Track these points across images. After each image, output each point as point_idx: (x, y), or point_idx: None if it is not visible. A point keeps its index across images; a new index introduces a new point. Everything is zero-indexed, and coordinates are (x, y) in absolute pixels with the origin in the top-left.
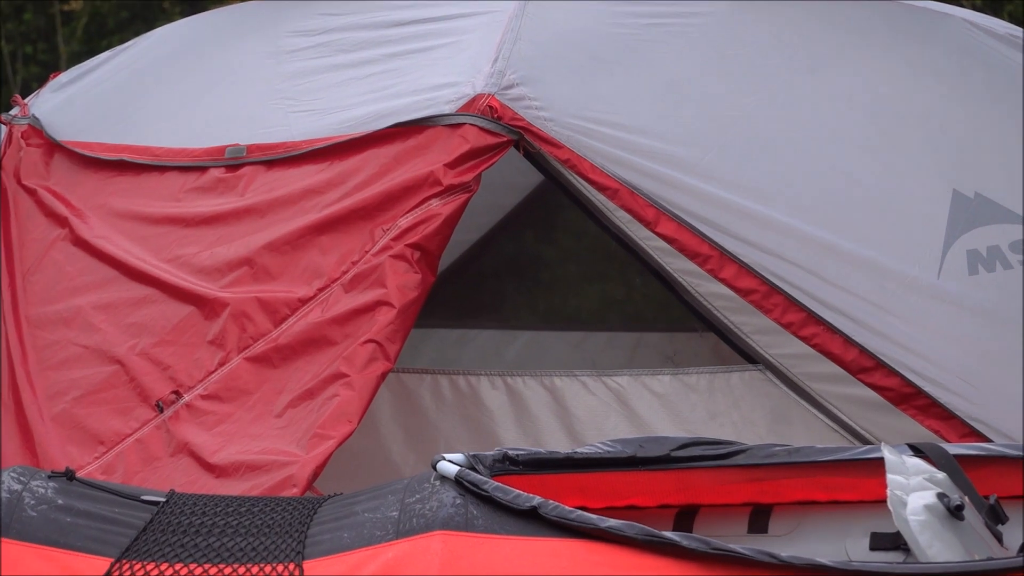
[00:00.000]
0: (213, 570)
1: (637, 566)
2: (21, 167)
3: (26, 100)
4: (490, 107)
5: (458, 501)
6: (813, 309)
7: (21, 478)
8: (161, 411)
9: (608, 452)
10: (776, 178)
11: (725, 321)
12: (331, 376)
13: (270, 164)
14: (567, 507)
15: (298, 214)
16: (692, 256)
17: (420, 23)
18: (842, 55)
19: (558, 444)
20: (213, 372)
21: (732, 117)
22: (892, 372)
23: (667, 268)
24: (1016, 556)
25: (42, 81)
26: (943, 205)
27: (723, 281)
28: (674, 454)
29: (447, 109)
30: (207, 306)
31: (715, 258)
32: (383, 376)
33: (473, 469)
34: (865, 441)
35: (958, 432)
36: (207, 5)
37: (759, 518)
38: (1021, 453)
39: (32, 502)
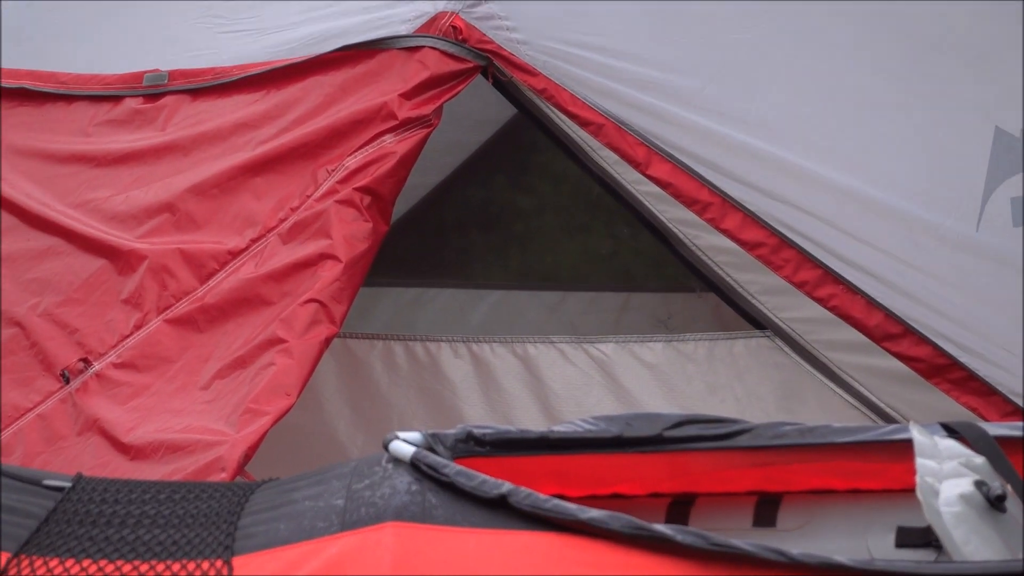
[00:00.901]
0: (127, 567)
1: (623, 564)
2: None
3: None
4: (453, 27)
5: (414, 488)
6: (831, 266)
7: None
8: (67, 382)
9: (589, 431)
10: (788, 113)
11: (728, 279)
12: (266, 342)
13: (195, 93)
14: (541, 495)
15: (228, 152)
16: (689, 203)
17: None
18: None
19: (531, 421)
20: (128, 336)
21: (736, 40)
22: (922, 340)
23: (660, 217)
24: None
25: None
26: (984, 145)
27: (725, 232)
28: (667, 434)
29: (403, 29)
30: (121, 259)
31: (716, 205)
32: (327, 341)
33: (432, 450)
34: (890, 420)
35: (1000, 410)
36: None
37: (766, 509)
38: None
39: None
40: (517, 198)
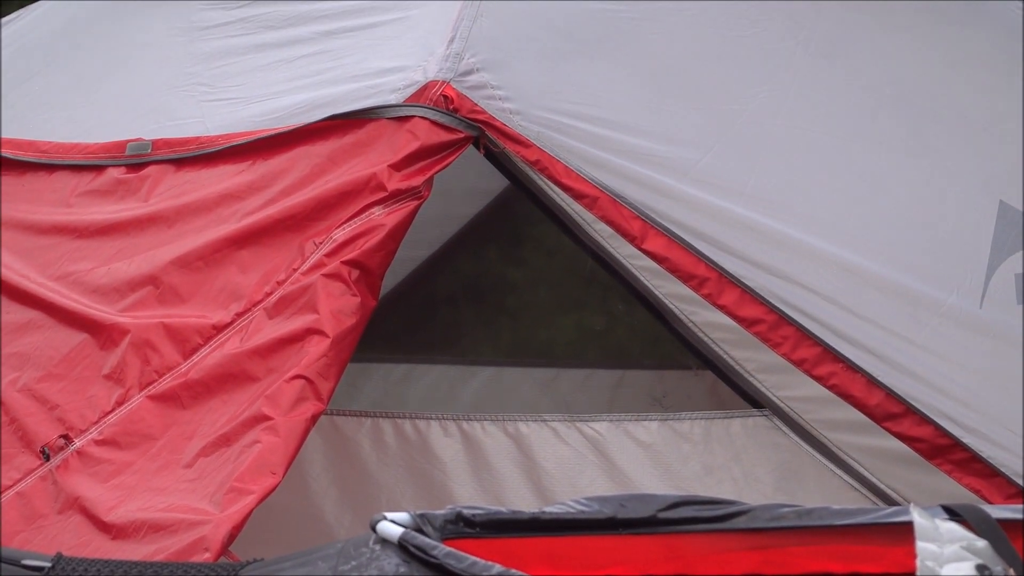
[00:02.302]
0: None
1: None
2: None
3: None
4: (444, 96)
5: (402, 570)
6: (830, 343)
7: None
8: (47, 459)
9: (582, 512)
10: (787, 186)
11: (725, 357)
12: (251, 419)
13: (180, 163)
14: None
15: (213, 223)
16: (686, 278)
17: None
18: (866, 39)
19: (523, 502)
20: (110, 413)
21: (734, 111)
22: (924, 419)
23: (656, 293)
24: None
25: None
26: (987, 220)
27: (722, 309)
28: (662, 515)
29: (393, 99)
30: (103, 333)
31: (713, 281)
32: (314, 419)
33: (420, 531)
34: (891, 502)
35: (1003, 492)
36: None
37: None
38: None
39: None
40: (510, 271)
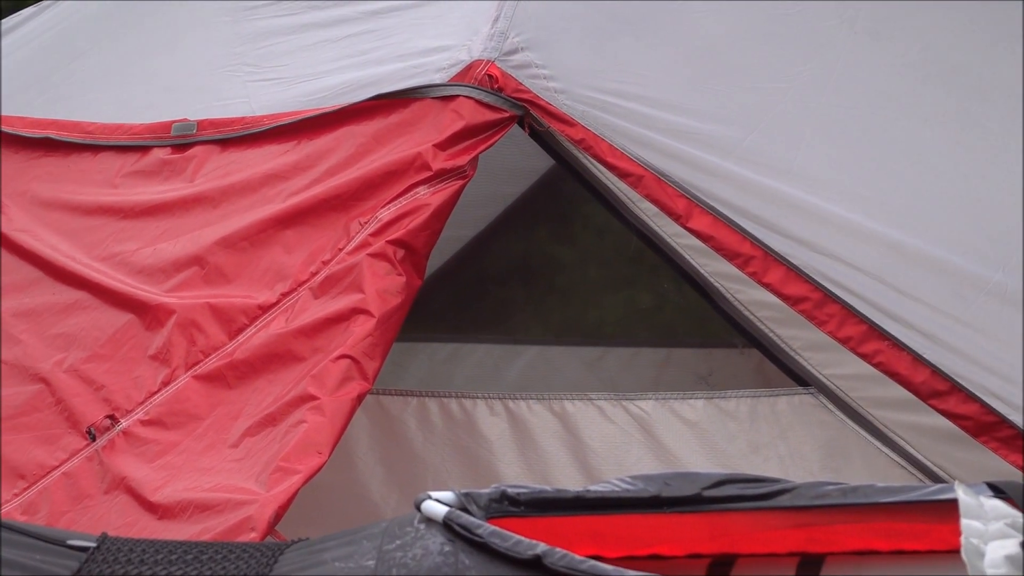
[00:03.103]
0: None
1: None
2: None
3: None
4: (489, 76)
5: (447, 548)
6: (876, 321)
7: None
8: (93, 439)
9: (627, 491)
10: (832, 163)
11: (770, 335)
12: (297, 399)
13: (225, 143)
14: (577, 556)
15: (258, 203)
16: (731, 257)
17: None
18: (912, 15)
19: (569, 480)
20: (156, 393)
21: (779, 90)
22: (970, 397)
23: (701, 271)
24: None
25: None
26: None
27: (767, 287)
28: (706, 493)
29: (438, 78)
30: (149, 314)
31: (758, 259)
32: (360, 398)
33: (465, 510)
34: (937, 479)
35: None
36: None
37: (809, 571)
38: None
39: None
40: (558, 251)
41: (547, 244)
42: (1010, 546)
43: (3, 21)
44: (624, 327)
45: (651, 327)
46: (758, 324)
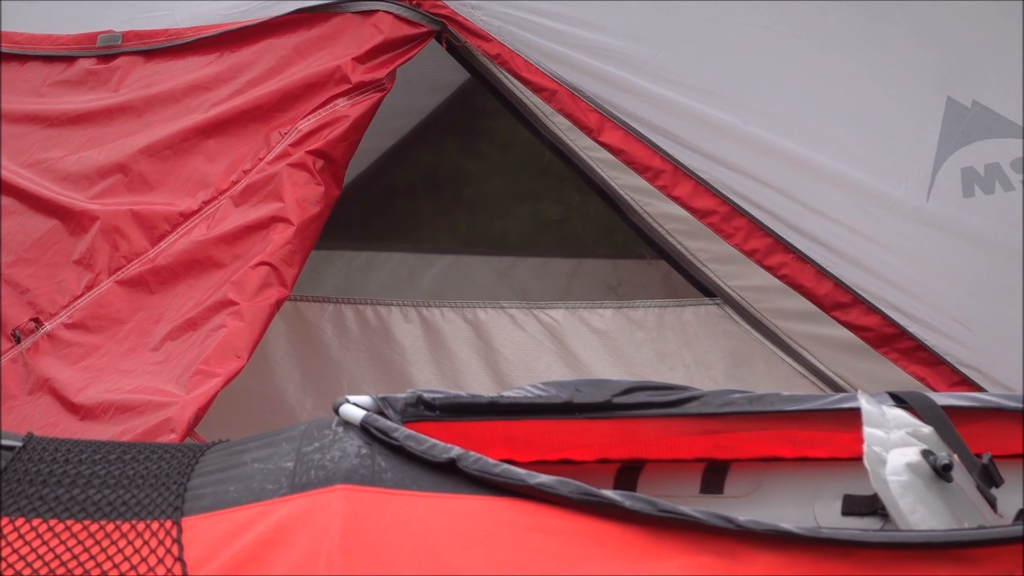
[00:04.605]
0: (77, 527)
1: (572, 530)
2: None
3: None
4: None
5: (364, 451)
6: (781, 234)
7: None
8: (18, 341)
9: (539, 397)
10: (741, 81)
11: (678, 247)
12: (217, 304)
13: (149, 55)
14: (491, 460)
15: (181, 113)
16: (641, 170)
17: None
18: None
19: (481, 387)
20: (79, 297)
21: (691, 8)
22: (872, 309)
23: (612, 184)
24: (1012, 525)
25: None
26: (935, 115)
27: (677, 200)
28: (616, 400)
29: None
30: (73, 220)
31: (668, 173)
32: (278, 305)
33: (382, 414)
34: (839, 389)
35: (948, 380)
36: None
37: (714, 476)
38: (1019, 405)
39: None
40: (468, 163)
41: (456, 157)
42: (911, 454)
43: None
44: (531, 238)
45: (559, 238)
46: (666, 236)
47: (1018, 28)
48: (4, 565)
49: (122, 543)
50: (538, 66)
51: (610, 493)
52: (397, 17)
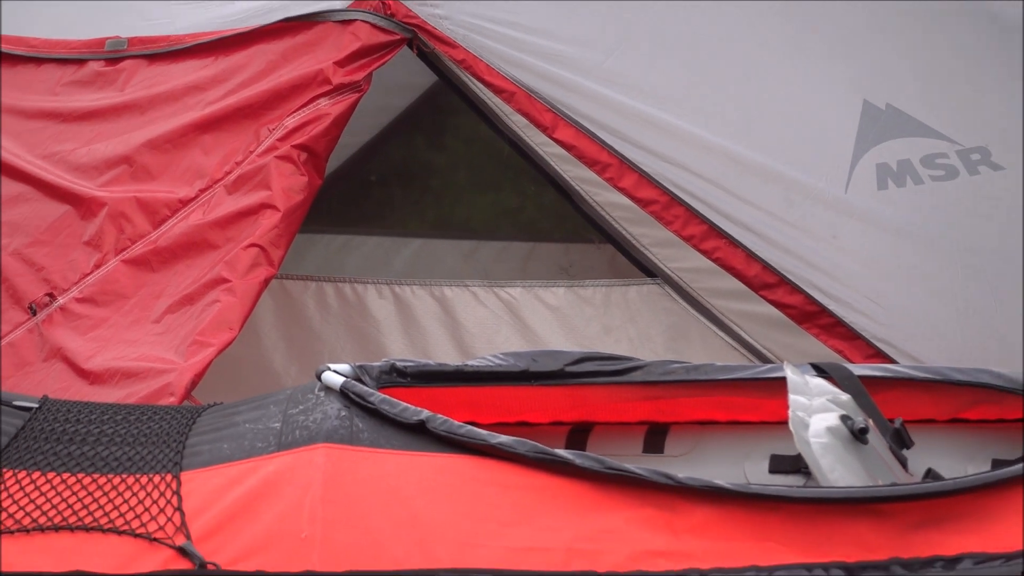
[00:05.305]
0: (87, 479)
1: (528, 485)
2: None
3: None
4: (383, 3)
5: (343, 413)
6: (715, 222)
7: None
8: (34, 314)
9: (500, 366)
10: (680, 84)
11: (623, 232)
12: (212, 281)
13: (152, 58)
14: (456, 422)
15: (180, 111)
16: (590, 164)
17: None
18: None
19: (447, 356)
20: (89, 274)
21: (635, 18)
22: (795, 289)
23: (564, 176)
24: (921, 482)
25: None
26: (853, 116)
27: (622, 191)
28: (568, 369)
29: (338, 4)
30: (84, 205)
31: (614, 166)
32: (266, 282)
33: (359, 380)
34: (766, 360)
35: (863, 353)
36: None
37: (655, 437)
38: (927, 375)
39: None
40: (434, 157)
41: (423, 151)
42: (831, 419)
43: None
44: (492, 224)
45: (517, 224)
46: (612, 223)
47: (928, 36)
48: (22, 514)
49: (127, 494)
50: (499, 70)
51: (562, 452)
52: (373, 26)
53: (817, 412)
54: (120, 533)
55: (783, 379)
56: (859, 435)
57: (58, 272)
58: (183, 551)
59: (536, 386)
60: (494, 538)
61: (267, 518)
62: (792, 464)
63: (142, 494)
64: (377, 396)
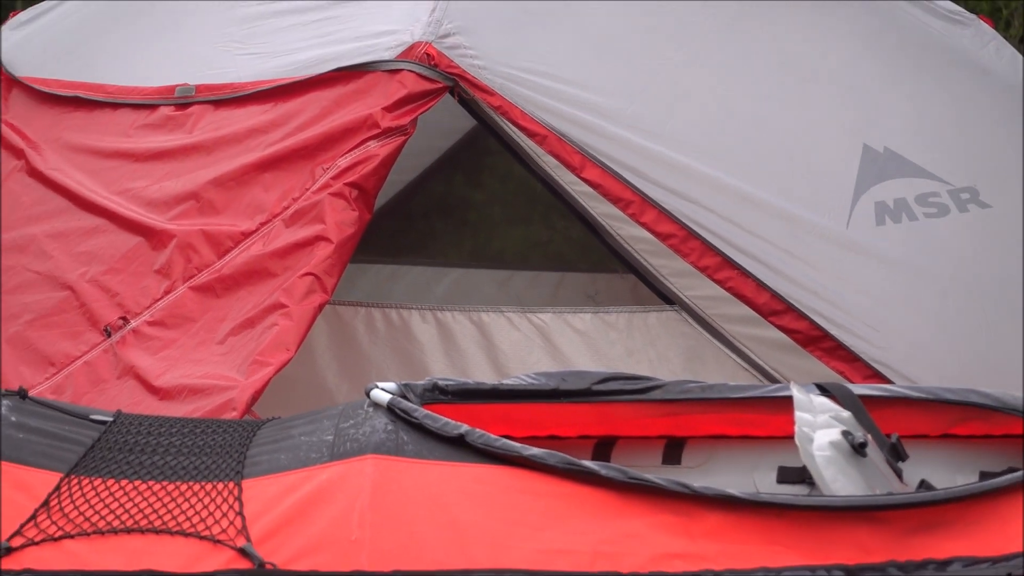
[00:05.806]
0: (157, 486)
1: (557, 492)
2: None
3: None
4: (427, 54)
5: (389, 427)
6: (728, 254)
7: None
8: (109, 335)
9: (532, 384)
10: (696, 129)
11: (644, 263)
12: (271, 306)
13: (217, 104)
14: (492, 435)
15: (243, 152)
16: (615, 201)
17: None
18: (764, 13)
19: (484, 376)
20: (159, 300)
21: (656, 70)
22: (801, 315)
23: (591, 212)
24: (915, 492)
25: (0, 20)
26: (854, 159)
27: (644, 225)
28: (594, 388)
29: (387, 55)
30: (155, 237)
31: (637, 203)
32: (320, 307)
33: (404, 397)
34: (774, 380)
35: (862, 373)
36: None
37: (673, 450)
38: (921, 395)
39: None
40: (472, 193)
41: (462, 188)
42: (833, 434)
43: (41, 4)
44: (524, 255)
45: (546, 255)
46: (635, 255)
47: (923, 87)
48: (97, 517)
49: (193, 500)
50: (532, 116)
51: (588, 463)
52: (419, 75)
53: (821, 428)
54: (186, 535)
55: (790, 398)
56: (859, 449)
57: (131, 297)
58: (244, 552)
59: (565, 403)
60: (526, 541)
61: (320, 522)
62: (798, 475)
63: (207, 500)
64: (421, 412)
